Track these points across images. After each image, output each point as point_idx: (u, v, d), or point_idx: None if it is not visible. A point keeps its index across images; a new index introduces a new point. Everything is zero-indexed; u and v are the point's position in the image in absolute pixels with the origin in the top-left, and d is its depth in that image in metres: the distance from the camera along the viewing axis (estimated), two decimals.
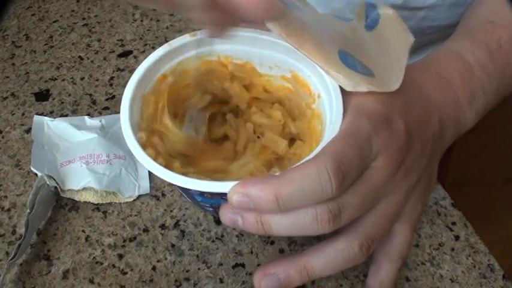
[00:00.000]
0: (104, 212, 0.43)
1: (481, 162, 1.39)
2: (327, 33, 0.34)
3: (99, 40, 0.59)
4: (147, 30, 0.60)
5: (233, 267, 0.40)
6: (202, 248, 0.41)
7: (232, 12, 0.29)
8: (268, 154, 0.38)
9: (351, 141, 0.29)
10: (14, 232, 0.42)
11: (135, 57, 0.56)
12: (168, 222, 0.42)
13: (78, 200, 0.43)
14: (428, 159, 0.35)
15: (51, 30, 0.60)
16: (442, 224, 0.42)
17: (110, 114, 0.50)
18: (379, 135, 0.30)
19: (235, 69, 0.38)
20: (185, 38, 0.37)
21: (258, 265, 0.39)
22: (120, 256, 0.40)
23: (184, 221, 0.42)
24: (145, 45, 0.58)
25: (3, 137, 0.49)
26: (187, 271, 0.39)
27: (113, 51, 0.57)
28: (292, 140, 0.39)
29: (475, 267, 0.40)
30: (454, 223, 0.42)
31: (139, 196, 0.44)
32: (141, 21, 0.61)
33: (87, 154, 0.45)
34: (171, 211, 0.43)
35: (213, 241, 0.41)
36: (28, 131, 0.49)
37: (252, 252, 0.40)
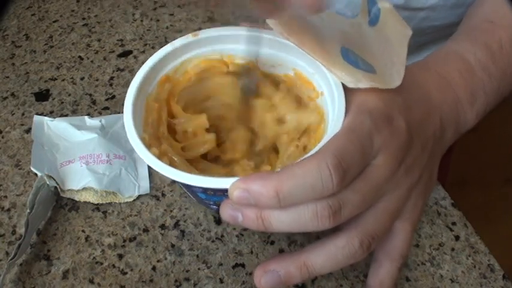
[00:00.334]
0: (104, 212, 0.43)
1: (481, 162, 1.39)
2: (328, 31, 0.34)
3: (99, 40, 0.59)
4: (147, 30, 0.59)
5: (233, 267, 0.40)
6: (202, 248, 0.41)
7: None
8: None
9: (352, 138, 0.30)
10: (14, 232, 0.42)
11: (135, 57, 0.56)
12: (168, 222, 0.42)
13: (78, 200, 0.43)
14: (429, 158, 0.35)
15: (51, 30, 0.60)
16: (442, 224, 0.42)
17: (110, 114, 0.50)
18: (380, 133, 0.30)
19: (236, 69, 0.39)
20: (188, 38, 0.37)
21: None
22: (120, 256, 0.40)
23: (184, 221, 0.42)
24: (145, 45, 0.58)
25: (3, 137, 0.49)
26: (187, 271, 0.39)
27: (113, 51, 0.57)
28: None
29: (475, 267, 0.40)
30: (454, 223, 0.42)
31: (139, 196, 0.44)
32: (141, 21, 0.61)
33: (87, 154, 0.45)
34: (171, 211, 0.43)
35: (213, 241, 0.41)
36: (28, 131, 0.49)
37: (252, 252, 0.40)
